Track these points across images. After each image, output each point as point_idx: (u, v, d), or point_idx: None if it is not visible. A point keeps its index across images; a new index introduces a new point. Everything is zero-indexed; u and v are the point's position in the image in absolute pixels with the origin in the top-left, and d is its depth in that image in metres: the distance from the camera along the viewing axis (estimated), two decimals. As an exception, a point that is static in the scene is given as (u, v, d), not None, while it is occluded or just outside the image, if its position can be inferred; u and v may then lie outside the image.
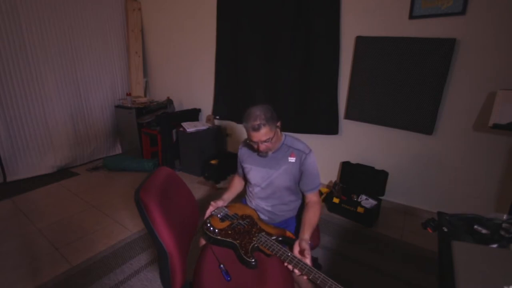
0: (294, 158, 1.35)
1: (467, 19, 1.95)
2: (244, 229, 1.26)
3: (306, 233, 1.18)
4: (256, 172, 1.41)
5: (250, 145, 1.45)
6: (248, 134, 1.28)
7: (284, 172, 1.36)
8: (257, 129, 1.22)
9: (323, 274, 0.98)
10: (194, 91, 3.71)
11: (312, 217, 1.27)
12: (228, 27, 3.11)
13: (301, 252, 1.10)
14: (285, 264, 1.06)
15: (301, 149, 1.36)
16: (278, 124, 1.31)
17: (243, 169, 1.50)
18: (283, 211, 1.43)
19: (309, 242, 1.16)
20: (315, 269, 1.00)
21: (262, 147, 1.28)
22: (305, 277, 1.01)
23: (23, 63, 2.98)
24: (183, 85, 3.80)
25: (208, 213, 1.36)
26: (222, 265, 1.14)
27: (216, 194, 2.77)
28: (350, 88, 2.52)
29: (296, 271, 1.03)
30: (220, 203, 1.40)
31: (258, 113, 1.23)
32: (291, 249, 1.14)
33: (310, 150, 1.37)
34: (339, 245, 2.06)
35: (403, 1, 2.14)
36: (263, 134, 1.23)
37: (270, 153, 1.36)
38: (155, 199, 0.96)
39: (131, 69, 3.96)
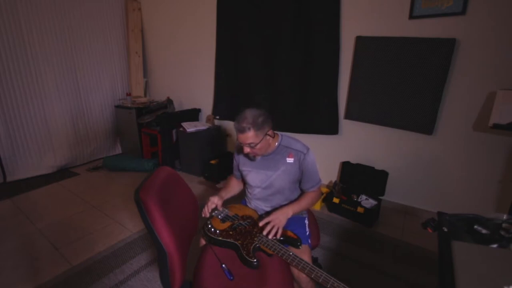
0: (293, 159, 1.35)
1: (467, 19, 1.95)
2: (245, 229, 1.26)
3: (290, 207, 1.30)
4: (255, 175, 1.41)
5: None
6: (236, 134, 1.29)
7: (283, 173, 1.35)
8: (241, 131, 1.21)
9: (325, 273, 0.98)
10: (194, 91, 3.71)
11: (303, 198, 1.37)
12: (228, 26, 3.10)
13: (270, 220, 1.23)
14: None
15: (299, 149, 1.36)
16: (270, 132, 1.28)
17: (241, 172, 1.49)
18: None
19: (287, 215, 1.27)
20: (317, 268, 1.01)
21: (246, 149, 1.26)
22: (305, 276, 1.01)
23: (23, 63, 2.98)
24: (183, 85, 3.80)
25: (206, 210, 1.33)
26: (224, 265, 1.14)
27: (216, 194, 2.75)
28: (350, 88, 2.52)
29: (297, 270, 1.03)
30: (215, 199, 1.37)
31: (248, 116, 1.22)
32: (293, 248, 1.15)
33: (308, 149, 1.37)
34: (339, 245, 2.06)
35: (403, 1, 2.14)
36: (247, 137, 1.22)
37: (258, 158, 1.37)
38: (155, 198, 0.96)
39: (131, 69, 3.95)
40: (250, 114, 1.22)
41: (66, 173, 3.36)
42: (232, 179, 1.60)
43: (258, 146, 1.25)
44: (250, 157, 1.37)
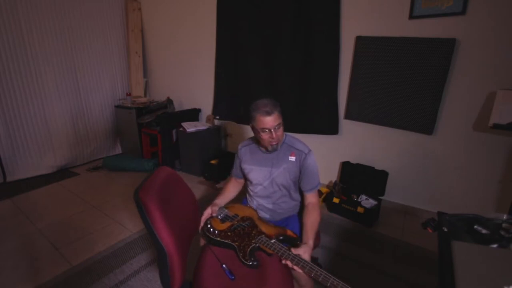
0: (294, 158, 1.36)
1: (467, 19, 1.95)
2: (244, 231, 1.26)
3: (311, 239, 1.20)
4: (258, 172, 1.41)
5: (250, 145, 1.45)
6: (260, 123, 1.25)
7: (284, 170, 1.36)
8: (270, 113, 1.24)
9: (324, 272, 0.98)
10: (194, 91, 3.71)
11: (314, 221, 1.29)
12: (228, 26, 3.10)
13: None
14: (283, 261, 1.08)
15: (301, 149, 1.37)
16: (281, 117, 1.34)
17: (242, 170, 1.49)
18: (283, 209, 1.44)
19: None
20: (317, 267, 1.01)
21: (274, 134, 1.27)
22: (304, 274, 1.01)
23: (23, 63, 2.98)
24: (183, 85, 3.80)
25: (203, 220, 1.33)
26: (224, 265, 1.14)
27: (216, 194, 2.75)
28: (350, 88, 2.52)
29: (297, 269, 1.03)
30: (209, 211, 1.36)
31: (265, 101, 1.27)
32: (293, 247, 1.15)
33: (310, 150, 1.38)
34: (339, 245, 2.06)
35: (403, 1, 2.14)
36: (276, 118, 1.25)
37: (279, 146, 1.36)
38: (154, 199, 0.96)
39: (131, 69, 3.95)
40: (266, 100, 1.28)
41: (66, 173, 3.36)
42: (230, 182, 1.59)
43: (281, 128, 1.30)
44: (274, 147, 1.33)
